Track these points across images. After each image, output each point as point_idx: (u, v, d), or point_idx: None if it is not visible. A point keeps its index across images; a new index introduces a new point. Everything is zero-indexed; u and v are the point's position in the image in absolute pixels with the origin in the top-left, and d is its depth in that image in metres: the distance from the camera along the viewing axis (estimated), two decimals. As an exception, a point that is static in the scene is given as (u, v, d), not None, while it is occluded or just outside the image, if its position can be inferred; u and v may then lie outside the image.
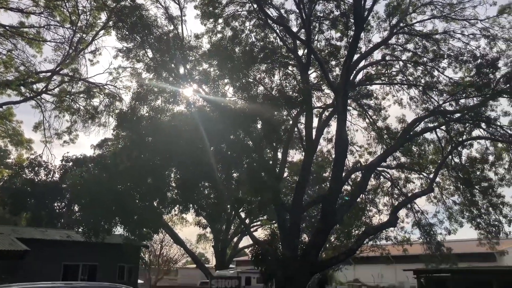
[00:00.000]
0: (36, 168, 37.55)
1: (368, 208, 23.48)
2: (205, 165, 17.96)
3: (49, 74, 22.57)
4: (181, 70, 18.86)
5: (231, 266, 38.79)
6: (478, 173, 19.77)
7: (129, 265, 28.86)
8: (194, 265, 37.48)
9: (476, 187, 19.53)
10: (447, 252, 20.18)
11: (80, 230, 23.15)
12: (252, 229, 28.39)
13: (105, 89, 23.55)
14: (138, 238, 21.66)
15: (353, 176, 21.51)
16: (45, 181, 37.52)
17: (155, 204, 20.95)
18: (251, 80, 18.94)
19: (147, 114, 19.36)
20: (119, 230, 22.87)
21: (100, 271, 26.46)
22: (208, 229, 35.37)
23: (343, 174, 18.79)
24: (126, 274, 28.50)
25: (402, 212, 21.47)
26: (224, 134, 17.92)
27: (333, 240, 24.60)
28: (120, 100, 23.38)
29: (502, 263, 27.73)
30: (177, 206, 21.35)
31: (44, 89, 23.11)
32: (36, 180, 37.36)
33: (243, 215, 26.50)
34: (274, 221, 23.53)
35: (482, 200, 19.49)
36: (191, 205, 21.26)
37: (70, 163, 37.66)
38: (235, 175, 20.50)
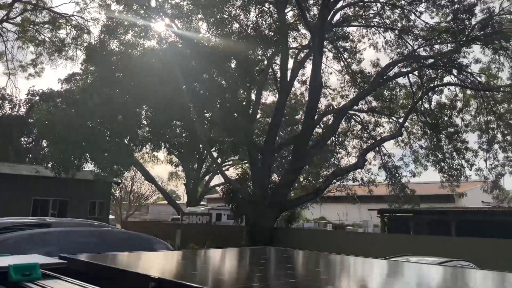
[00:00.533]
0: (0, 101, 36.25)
1: (337, 151, 24.00)
2: (177, 104, 17.71)
3: (10, 1, 21.16)
4: (153, 3, 18.02)
5: (202, 203, 39.56)
6: (445, 118, 20.30)
7: (100, 200, 29.02)
8: (166, 202, 38.03)
9: (443, 132, 20.13)
10: (410, 194, 21.10)
11: (49, 165, 22.87)
12: (223, 168, 28.74)
13: (72, 20, 22.40)
14: (109, 175, 21.64)
15: (324, 119, 21.74)
16: (10, 115, 36.36)
17: (126, 142, 20.76)
18: (226, 16, 18.31)
19: (117, 49, 18.64)
20: (89, 167, 22.72)
21: (71, 207, 26.54)
22: (180, 168, 35.61)
23: (316, 117, 18.95)
24: (97, 210, 28.72)
25: (370, 155, 22.09)
26: (197, 72, 17.54)
27: (302, 180, 25.24)
28: (89, 33, 22.37)
29: (460, 204, 29.31)
30: (149, 144, 21.24)
31: (5, 17, 21.76)
32: (0, 114, 36.16)
33: (215, 154, 26.69)
34: (245, 161, 23.86)
35: (447, 145, 20.18)
36: (162, 144, 21.19)
37: (37, 98, 36.42)
38: (207, 115, 20.37)
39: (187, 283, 1.80)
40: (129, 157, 20.49)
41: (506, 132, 18.71)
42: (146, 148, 22.77)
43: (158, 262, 2.59)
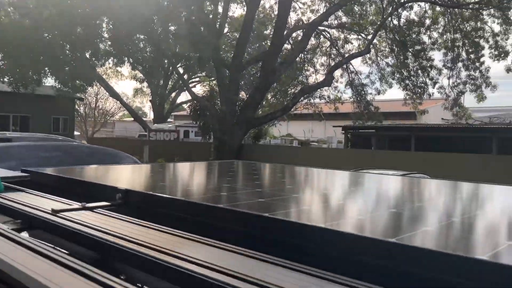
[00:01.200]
0: None
1: (306, 68, 23.86)
2: (140, 16, 16.75)
3: None
4: None
5: (169, 120, 39.33)
6: (413, 36, 20.25)
7: (64, 117, 28.35)
8: (132, 119, 37.56)
9: (410, 50, 20.18)
10: (374, 111, 21.58)
11: (6, 80, 21.79)
12: (190, 85, 28.25)
13: None
14: (71, 90, 20.91)
15: (294, 34, 21.27)
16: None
17: (88, 56, 19.83)
18: None
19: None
20: (50, 82, 21.82)
21: (33, 123, 25.85)
22: (145, 84, 34.76)
23: (285, 32, 18.49)
24: (61, 126, 28.14)
25: (337, 73, 22.12)
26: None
27: (270, 97, 25.26)
28: None
29: (421, 121, 30.39)
30: (111, 58, 20.38)
31: None
32: None
33: (181, 70, 26.02)
34: (213, 78, 23.45)
35: (413, 62, 20.35)
36: (126, 58, 20.37)
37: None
38: (172, 28, 19.48)
39: (154, 193, 1.80)
40: (91, 72, 19.70)
41: (470, 50, 18.94)
42: (109, 63, 21.90)
43: (126, 175, 2.57)
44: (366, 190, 2.23)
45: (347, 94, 24.26)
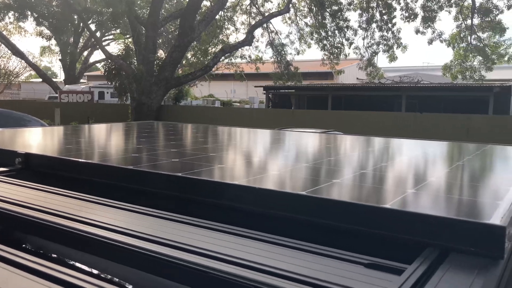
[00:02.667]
0: None
1: (226, 26, 23.47)
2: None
3: None
4: None
5: (82, 81, 37.08)
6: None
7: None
8: (40, 80, 34.85)
9: (327, 9, 20.54)
10: (294, 71, 21.94)
11: None
12: (104, 43, 26.63)
13: None
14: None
15: (213, -9, 20.66)
16: None
17: (-17, 9, 17.82)
18: None
19: None
20: None
21: None
22: (53, 41, 32.15)
23: (203, -12, 17.91)
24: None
25: (258, 32, 22.03)
26: None
27: (190, 57, 24.65)
28: None
29: (338, 81, 31.55)
30: (12, 12, 18.49)
31: None
32: None
33: (93, 27, 24.37)
34: (128, 36, 22.29)
35: (330, 23, 20.80)
36: (29, 13, 18.59)
37: None
38: (81, -20, 18.03)
39: (56, 156, 1.66)
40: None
41: (383, 11, 19.71)
42: (9, 18, 19.85)
43: (29, 138, 2.36)
44: (282, 147, 2.25)
45: (268, 54, 24.41)
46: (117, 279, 0.95)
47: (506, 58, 19.66)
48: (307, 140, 2.54)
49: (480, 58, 19.34)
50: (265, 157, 1.88)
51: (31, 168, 1.68)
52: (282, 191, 1.14)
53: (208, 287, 0.82)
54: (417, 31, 19.66)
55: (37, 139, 2.34)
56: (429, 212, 0.95)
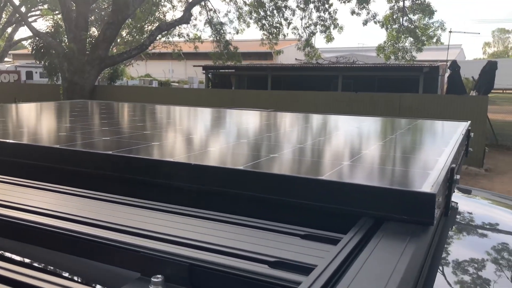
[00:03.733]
0: None
1: (162, 3, 22.74)
2: None
3: None
4: None
5: (7, 60, 34.61)
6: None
7: None
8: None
9: (266, -11, 20.49)
10: (234, 51, 21.77)
11: None
12: (30, 20, 24.89)
13: None
14: None
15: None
16: None
17: None
18: None
19: None
20: None
21: None
22: (-28, 16, 29.61)
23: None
24: None
25: (195, 10, 21.55)
26: None
27: (125, 35, 23.71)
28: None
29: (277, 61, 31.79)
30: None
31: None
32: None
33: (17, 1, 22.69)
34: (57, 11, 21.00)
35: (269, 2, 20.78)
36: None
37: None
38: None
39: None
40: None
41: (320, -8, 19.97)
42: None
43: None
44: (221, 125, 2.22)
45: (207, 33, 24.02)
46: (49, 266, 0.89)
47: (434, 40, 20.71)
48: (246, 118, 2.53)
49: (411, 39, 20.22)
50: (204, 134, 1.84)
51: None
52: (218, 167, 1.11)
53: (141, 267, 0.78)
54: (353, 12, 20.15)
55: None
56: (363, 182, 0.97)
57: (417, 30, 19.87)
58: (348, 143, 1.67)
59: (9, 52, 35.14)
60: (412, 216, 0.88)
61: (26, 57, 34.35)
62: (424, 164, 1.24)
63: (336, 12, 20.52)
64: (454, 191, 1.22)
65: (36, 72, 26.58)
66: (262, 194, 1.03)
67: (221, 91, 18.86)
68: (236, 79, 25.36)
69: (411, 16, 19.89)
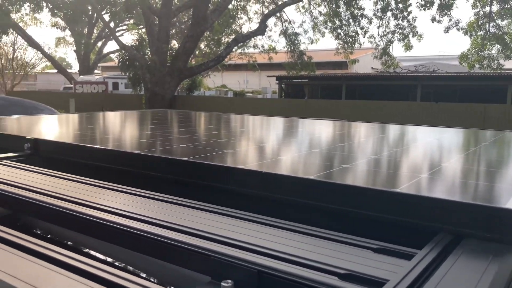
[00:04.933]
0: None
1: (239, 16, 23.35)
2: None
3: None
4: None
5: (96, 71, 37.37)
6: (345, -16, 20.28)
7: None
8: (55, 70, 35.20)
9: (342, -2, 20.27)
10: (308, 60, 21.74)
11: None
12: (118, 34, 26.73)
13: None
14: (-17, 39, 19.00)
15: (226, -20, 20.50)
16: None
17: (0, 1, 17.99)
18: None
19: None
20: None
21: None
22: (68, 32, 32.41)
23: (216, -23, 17.82)
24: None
25: (271, 21, 21.87)
26: None
27: (203, 47, 24.61)
28: None
29: (352, 71, 31.23)
30: (27, 4, 18.65)
31: None
32: None
33: (107, 18, 24.46)
34: (141, 26, 22.33)
35: (345, 11, 20.52)
36: (44, 4, 18.73)
37: None
38: (95, -30, 18.06)
39: (63, 142, 1.66)
40: (4, 18, 17.93)
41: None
42: (25, 9, 20.04)
43: (40, 125, 2.37)
44: (301, 133, 2.22)
45: (281, 43, 24.24)
46: (122, 264, 0.94)
47: (525, 47, 19.21)
48: (319, 127, 2.51)
49: (499, 46, 18.91)
50: (276, 143, 1.85)
51: (40, 154, 1.68)
52: (290, 175, 1.11)
53: (211, 271, 0.80)
54: (433, 20, 19.29)
55: (47, 126, 2.35)
56: (442, 196, 0.92)
57: (506, 37, 18.55)
58: (427, 155, 1.59)
59: (99, 64, 37.94)
60: (495, 234, 0.82)
61: (113, 69, 36.87)
62: (510, 179, 1.15)
63: (415, 19, 19.77)
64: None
65: (121, 83, 28.39)
66: (333, 205, 1.01)
67: (294, 101, 18.89)
68: (309, 89, 25.27)
69: (498, 21, 18.62)
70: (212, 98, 22.09)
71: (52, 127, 2.34)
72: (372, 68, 25.73)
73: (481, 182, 1.12)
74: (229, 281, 0.74)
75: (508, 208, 0.83)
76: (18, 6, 18.67)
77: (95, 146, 1.57)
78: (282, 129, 2.42)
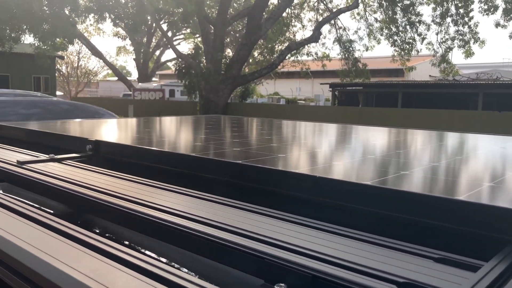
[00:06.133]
0: None
1: (292, 24, 23.38)
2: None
3: None
4: None
5: (154, 79, 38.72)
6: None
7: (45, 76, 27.69)
8: (116, 78, 36.88)
9: (399, 4, 19.78)
10: (362, 68, 21.38)
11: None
12: (175, 43, 27.60)
13: None
14: (51, 48, 20.28)
15: (280, -12, 20.63)
16: None
17: (67, 12, 19.13)
18: None
19: None
20: (29, 39, 21.10)
21: (13, 82, 25.24)
22: (128, 41, 33.90)
23: (271, -14, 17.97)
24: (43, 85, 27.54)
25: (325, 28, 21.71)
26: None
27: (256, 55, 24.84)
28: None
29: (409, 78, 30.33)
30: (92, 15, 19.70)
31: None
32: None
33: (165, 27, 25.34)
34: (197, 35, 22.92)
35: (401, 18, 20.01)
36: (107, 14, 19.70)
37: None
38: (155, -18, 18.77)
39: (123, 144, 1.72)
40: (71, 29, 19.05)
41: (460, 4, 18.63)
42: (90, 20, 21.19)
43: (101, 128, 2.48)
44: (355, 141, 2.18)
45: (335, 51, 24.03)
46: (175, 263, 0.95)
47: None
48: (373, 134, 2.44)
49: None
50: (329, 149, 1.82)
51: (101, 154, 1.75)
52: (347, 181, 1.08)
53: (264, 273, 0.79)
54: (497, 25, 18.36)
55: (107, 129, 2.45)
56: (510, 206, 0.86)
57: None
58: (490, 164, 1.51)
59: (156, 72, 39.31)
60: None
61: (169, 77, 38.03)
62: None
63: (477, 25, 18.91)
64: None
65: (177, 91, 29.23)
66: (390, 211, 0.97)
67: (347, 108, 18.60)
68: (363, 97, 24.78)
69: None
70: (264, 105, 22.23)
71: (112, 130, 2.43)
72: (430, 75, 24.85)
73: (554, 193, 1.04)
74: (282, 284, 0.73)
75: None
76: (83, 17, 19.77)
77: (152, 148, 1.61)
78: (335, 135, 2.38)
